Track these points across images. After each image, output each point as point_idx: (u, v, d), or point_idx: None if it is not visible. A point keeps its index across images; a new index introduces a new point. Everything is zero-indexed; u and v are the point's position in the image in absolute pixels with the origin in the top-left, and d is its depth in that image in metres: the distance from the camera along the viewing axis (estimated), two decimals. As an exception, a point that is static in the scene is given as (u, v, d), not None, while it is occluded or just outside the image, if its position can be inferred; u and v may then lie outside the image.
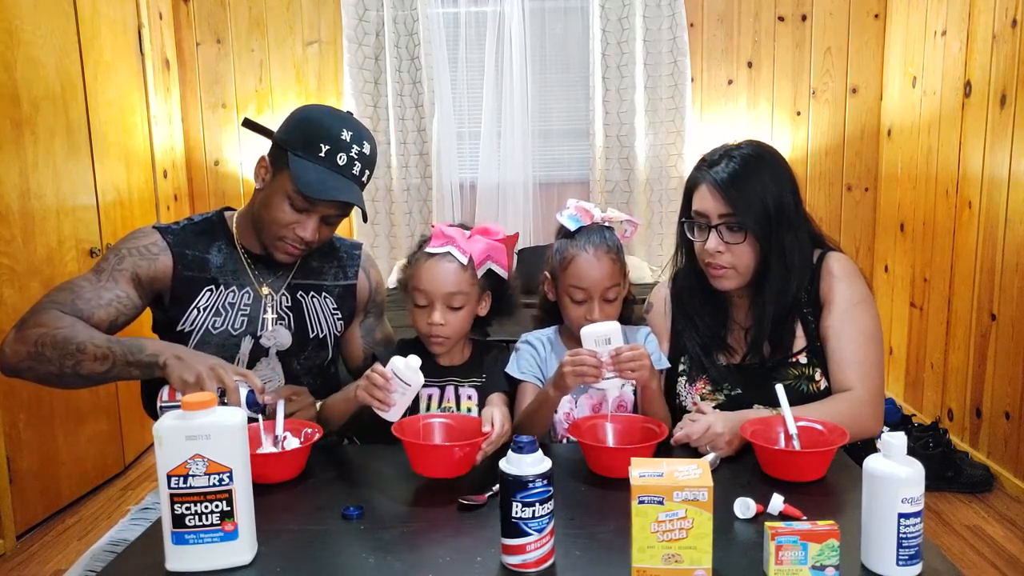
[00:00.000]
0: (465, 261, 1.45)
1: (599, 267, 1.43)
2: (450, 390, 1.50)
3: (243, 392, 1.23)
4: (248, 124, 1.52)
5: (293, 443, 1.29)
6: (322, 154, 1.41)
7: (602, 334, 1.32)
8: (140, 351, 1.28)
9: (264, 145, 1.51)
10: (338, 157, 1.41)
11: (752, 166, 1.44)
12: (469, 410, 1.48)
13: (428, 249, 1.46)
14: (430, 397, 1.48)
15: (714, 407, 1.44)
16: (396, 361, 1.28)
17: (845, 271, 1.49)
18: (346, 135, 1.42)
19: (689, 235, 1.50)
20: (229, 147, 4.05)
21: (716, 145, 1.53)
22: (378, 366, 1.31)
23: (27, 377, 1.35)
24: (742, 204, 1.41)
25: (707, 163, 1.48)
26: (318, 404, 1.49)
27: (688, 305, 1.57)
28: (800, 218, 1.48)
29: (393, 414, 1.29)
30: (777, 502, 1.09)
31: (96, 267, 1.46)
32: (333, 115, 1.47)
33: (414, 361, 1.29)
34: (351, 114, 1.50)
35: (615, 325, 1.34)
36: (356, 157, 1.43)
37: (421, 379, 1.29)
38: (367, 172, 1.48)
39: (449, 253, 1.44)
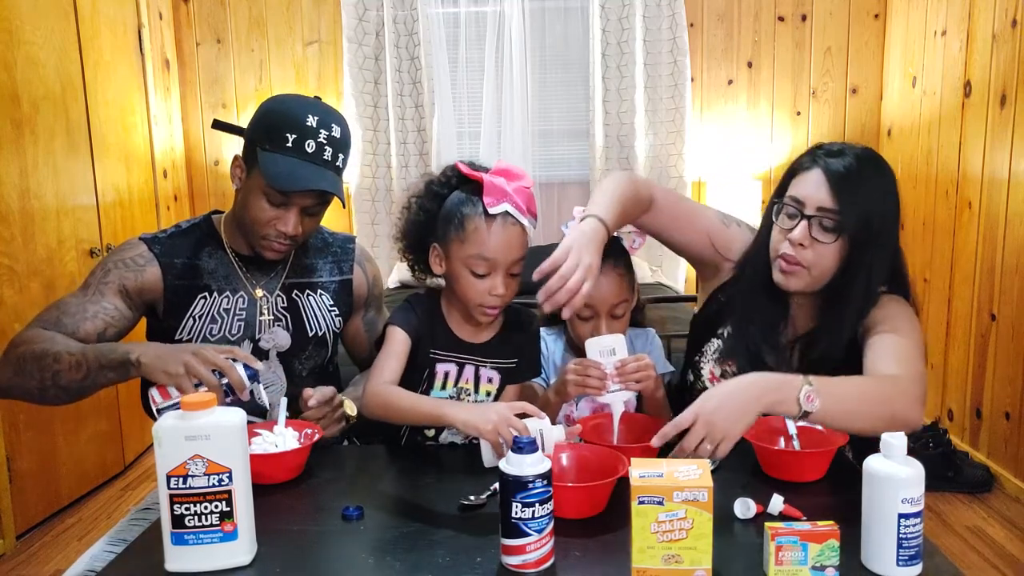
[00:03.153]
0: (527, 223, 1.31)
1: (606, 284, 1.38)
2: (469, 369, 1.40)
3: (239, 369, 1.22)
4: (218, 125, 1.49)
5: (292, 443, 1.29)
6: (289, 144, 1.37)
7: (606, 345, 1.31)
8: (112, 352, 1.26)
9: None
10: (306, 145, 1.37)
11: (870, 171, 1.32)
12: (489, 394, 1.41)
13: (490, 210, 1.28)
14: (446, 374, 1.39)
15: None
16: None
17: (904, 309, 1.36)
18: (311, 121, 1.38)
19: (774, 218, 1.37)
20: (229, 147, 4.05)
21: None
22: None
23: (15, 396, 1.34)
24: (848, 203, 1.28)
25: (824, 151, 1.35)
26: (342, 399, 1.45)
27: (747, 290, 1.43)
28: (892, 247, 1.36)
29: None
30: (777, 502, 1.09)
31: (84, 283, 1.44)
32: (297, 102, 1.42)
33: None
34: (319, 98, 1.46)
35: (619, 337, 1.33)
36: (325, 142, 1.39)
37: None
38: (340, 156, 1.42)
39: (510, 214, 1.29)
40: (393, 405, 1.27)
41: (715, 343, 1.46)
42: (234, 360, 1.24)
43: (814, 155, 1.35)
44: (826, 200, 1.29)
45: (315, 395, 1.38)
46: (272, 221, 1.42)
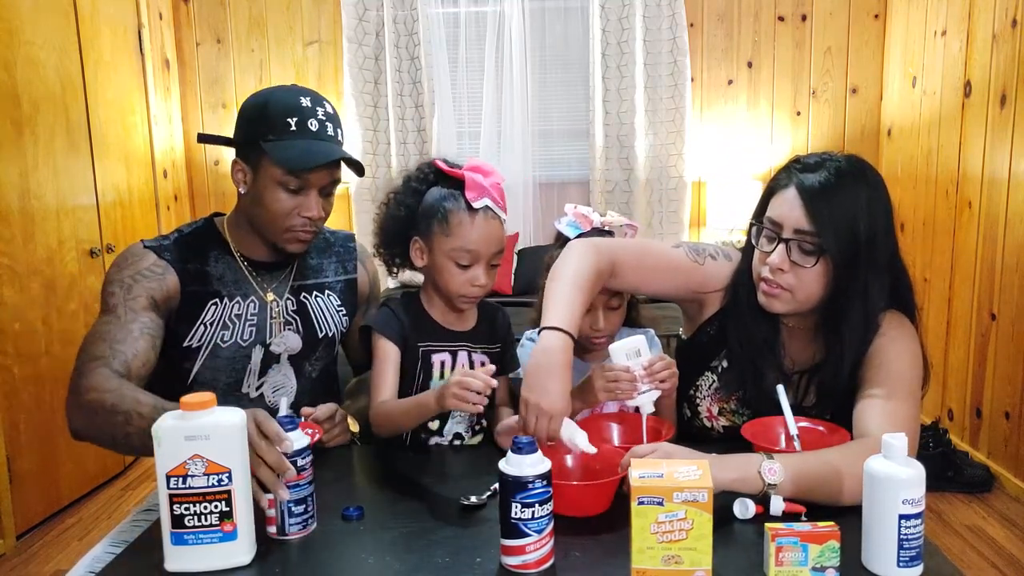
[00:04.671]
0: (504, 216, 1.39)
1: None
2: (463, 356, 1.44)
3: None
4: (203, 138, 1.48)
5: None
6: (293, 128, 1.37)
7: (632, 347, 1.31)
8: None
9: None
10: (309, 124, 1.39)
11: (850, 182, 1.23)
12: None
13: (473, 204, 1.35)
14: (442, 364, 1.42)
15: (724, 426, 1.41)
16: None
17: (902, 335, 1.28)
18: (306, 102, 1.40)
19: (753, 241, 1.32)
20: (229, 147, 4.05)
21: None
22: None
23: (92, 441, 1.29)
24: (826, 222, 1.21)
25: (800, 166, 1.28)
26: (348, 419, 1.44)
27: (738, 317, 1.37)
28: (887, 261, 1.28)
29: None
30: (777, 503, 1.08)
31: (106, 307, 1.38)
32: (283, 90, 1.43)
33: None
34: (296, 86, 1.46)
35: (642, 338, 1.33)
36: (325, 119, 1.41)
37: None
38: (339, 131, 1.45)
39: (490, 208, 1.36)
40: (396, 417, 1.34)
41: (710, 378, 1.42)
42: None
43: (790, 171, 1.28)
44: (802, 221, 1.22)
45: (315, 413, 1.36)
46: (294, 210, 1.41)
